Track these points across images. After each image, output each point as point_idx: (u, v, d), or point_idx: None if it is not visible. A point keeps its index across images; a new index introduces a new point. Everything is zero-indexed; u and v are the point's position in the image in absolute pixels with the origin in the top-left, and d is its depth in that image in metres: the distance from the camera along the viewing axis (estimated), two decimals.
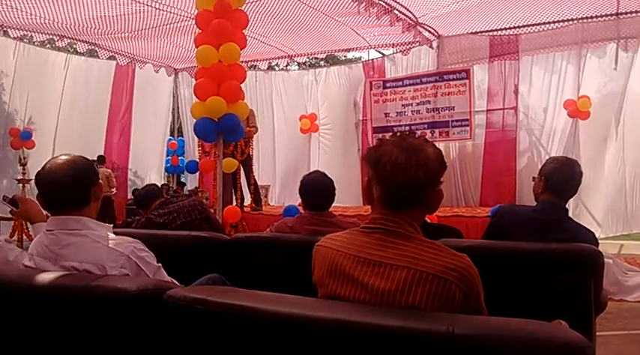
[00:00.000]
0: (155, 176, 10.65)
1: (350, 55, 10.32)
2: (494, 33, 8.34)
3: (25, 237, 7.50)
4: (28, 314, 1.56)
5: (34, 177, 6.00)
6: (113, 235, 1.77)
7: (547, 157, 7.68)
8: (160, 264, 1.84)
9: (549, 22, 7.85)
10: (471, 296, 1.29)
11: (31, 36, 8.42)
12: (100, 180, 1.86)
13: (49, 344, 1.54)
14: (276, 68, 11.52)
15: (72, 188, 1.74)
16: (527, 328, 1.03)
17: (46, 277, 1.58)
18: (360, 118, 9.52)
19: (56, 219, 1.75)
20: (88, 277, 1.59)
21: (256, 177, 7.57)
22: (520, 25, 8.08)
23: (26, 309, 1.56)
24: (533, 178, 2.58)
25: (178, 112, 11.36)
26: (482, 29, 8.37)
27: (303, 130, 10.06)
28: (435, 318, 1.09)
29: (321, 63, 10.40)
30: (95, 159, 8.73)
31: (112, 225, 1.85)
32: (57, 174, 1.74)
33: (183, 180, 11.30)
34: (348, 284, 1.36)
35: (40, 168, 1.78)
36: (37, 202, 1.99)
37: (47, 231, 1.77)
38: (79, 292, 1.46)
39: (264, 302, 1.25)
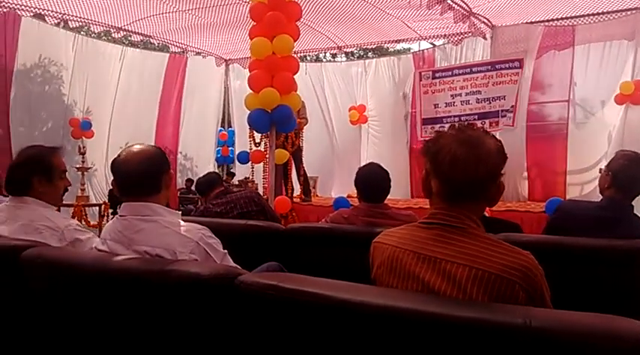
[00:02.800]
0: (206, 166, 10.86)
1: (399, 46, 10.19)
2: (550, 23, 8.10)
3: (84, 222, 7.79)
4: (104, 297, 1.63)
5: (92, 172, 6.24)
6: (182, 222, 1.84)
7: (602, 151, 7.52)
8: (226, 251, 1.90)
9: (607, 12, 7.57)
10: (535, 296, 1.25)
11: (89, 27, 8.67)
12: (171, 170, 1.93)
13: (124, 327, 1.61)
14: (324, 59, 11.52)
15: (144, 176, 1.82)
16: (605, 322, 1.02)
17: (121, 261, 1.65)
18: (409, 110, 9.42)
19: (129, 205, 1.83)
20: (162, 261, 1.65)
21: (305, 169, 7.62)
22: (576, 15, 7.81)
23: (102, 292, 1.63)
24: (600, 170, 2.52)
25: (228, 103, 11.52)
26: (537, 19, 8.14)
27: (353, 122, 10.05)
28: (512, 311, 1.09)
29: (370, 54, 10.34)
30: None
31: (180, 212, 1.92)
32: (131, 163, 1.82)
33: (232, 170, 11.47)
34: (408, 281, 1.35)
35: (115, 156, 1.86)
36: None
37: (120, 216, 1.85)
38: (153, 276, 1.52)
39: (334, 289, 1.27)
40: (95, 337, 1.70)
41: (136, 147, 1.88)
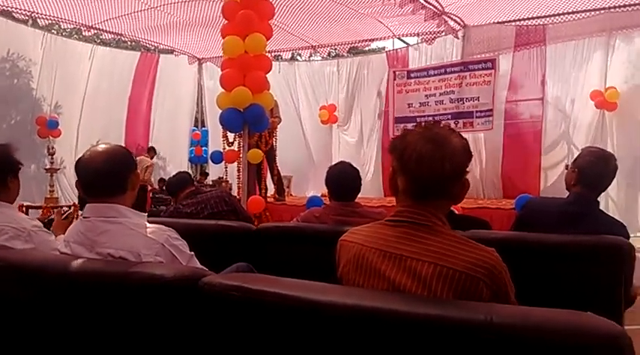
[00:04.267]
0: (179, 166, 10.76)
1: (373, 45, 10.24)
2: (521, 22, 8.21)
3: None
4: (65, 300, 1.59)
5: (61, 166, 6.14)
6: (148, 223, 1.81)
7: (573, 149, 7.66)
8: (192, 253, 1.87)
9: (577, 12, 7.71)
10: (499, 293, 1.27)
11: (59, 25, 8.54)
12: (138, 170, 1.89)
13: (86, 330, 1.58)
14: (299, 58, 11.51)
15: (109, 176, 1.78)
16: (565, 318, 1.03)
17: (84, 263, 1.62)
18: (383, 109, 9.47)
19: (93, 206, 1.79)
20: (125, 264, 1.62)
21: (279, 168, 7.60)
22: (547, 14, 7.94)
23: (63, 295, 1.60)
24: (567, 167, 2.56)
25: (201, 102, 11.44)
26: (508, 19, 8.25)
27: (323, 121, 10.07)
28: (474, 307, 1.09)
29: (344, 53, 10.36)
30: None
31: (146, 214, 1.88)
32: (95, 163, 1.77)
33: (206, 170, 11.39)
34: (374, 279, 1.36)
35: (80, 155, 1.82)
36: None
37: (84, 217, 1.81)
38: (116, 278, 1.49)
39: (299, 289, 1.26)
40: (57, 341, 1.67)
41: (101, 147, 1.84)
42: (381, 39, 9.59)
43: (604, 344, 0.97)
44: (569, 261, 2.21)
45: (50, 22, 8.33)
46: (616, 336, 0.97)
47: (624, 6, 7.36)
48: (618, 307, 2.21)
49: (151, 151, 9.71)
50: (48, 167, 8.04)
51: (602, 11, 7.53)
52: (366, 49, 10.51)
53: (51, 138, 8.49)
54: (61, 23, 8.39)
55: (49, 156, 8.04)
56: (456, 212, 3.10)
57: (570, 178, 2.48)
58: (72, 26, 8.54)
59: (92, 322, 1.56)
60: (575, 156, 2.57)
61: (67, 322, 1.61)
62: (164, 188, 9.29)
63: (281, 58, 10.50)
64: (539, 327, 0.99)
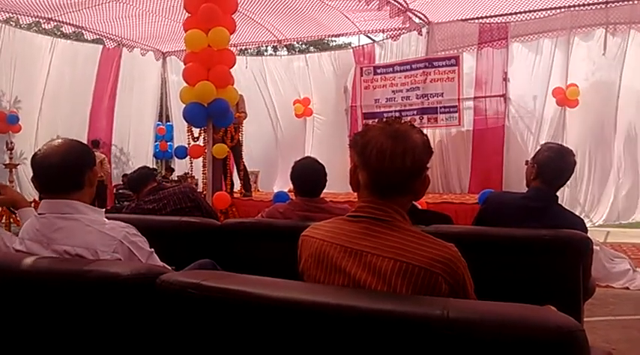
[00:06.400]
0: (144, 161, 10.58)
1: (340, 41, 10.27)
2: (484, 20, 8.33)
3: (12, 221, 7.44)
4: (19, 298, 1.54)
5: (21, 161, 5.97)
6: (106, 220, 1.76)
7: (535, 145, 7.81)
8: (152, 249, 1.83)
9: (539, 10, 7.86)
10: (457, 288, 1.27)
11: (18, 18, 8.31)
12: (95, 167, 1.84)
13: (40, 329, 1.53)
14: (266, 53, 11.45)
15: (66, 172, 1.73)
16: (521, 312, 1.03)
17: (37, 261, 1.57)
18: (350, 104, 9.50)
19: (49, 202, 1.73)
20: (81, 261, 1.58)
21: (246, 163, 7.54)
22: (509, 12, 8.08)
23: (17, 294, 1.55)
24: (526, 162, 2.59)
25: (166, 97, 11.27)
26: (471, 16, 8.36)
27: (298, 115, 10.04)
28: (431, 302, 1.09)
29: (311, 48, 10.36)
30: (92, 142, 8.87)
31: (104, 210, 1.83)
32: (52, 158, 1.72)
33: (172, 165, 11.24)
34: (334, 274, 1.35)
35: (36, 151, 1.77)
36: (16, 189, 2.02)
37: (39, 214, 1.76)
38: (71, 276, 1.45)
39: (257, 286, 1.25)
40: (11, 340, 1.61)
41: (57, 142, 1.78)
42: (347, 34, 9.60)
43: (559, 338, 0.97)
44: (530, 254, 2.24)
45: (7, 16, 8.11)
46: (571, 330, 0.98)
47: (584, 5, 7.55)
48: (578, 299, 2.25)
49: (94, 145, 9.03)
50: (7, 162, 7.83)
51: (563, 10, 7.70)
52: (333, 44, 10.51)
53: (10, 132, 8.27)
54: (19, 16, 8.15)
55: (8, 152, 7.82)
56: (419, 207, 3.11)
57: (530, 173, 2.52)
58: (31, 20, 8.32)
59: (47, 321, 1.51)
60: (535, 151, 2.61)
61: (20, 321, 1.56)
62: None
63: (248, 53, 10.42)
64: (494, 322, 1.00)
